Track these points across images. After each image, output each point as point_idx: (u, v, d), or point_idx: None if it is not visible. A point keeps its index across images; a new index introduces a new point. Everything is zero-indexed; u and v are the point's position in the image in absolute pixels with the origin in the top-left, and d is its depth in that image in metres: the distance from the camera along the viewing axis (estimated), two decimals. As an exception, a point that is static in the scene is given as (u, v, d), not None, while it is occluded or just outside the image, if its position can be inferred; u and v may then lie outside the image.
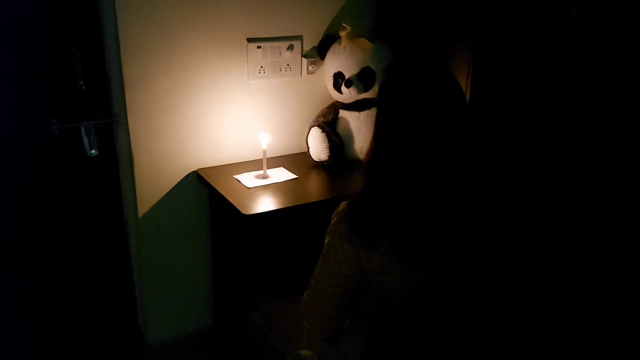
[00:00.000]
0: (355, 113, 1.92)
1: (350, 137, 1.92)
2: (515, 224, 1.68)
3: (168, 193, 1.84)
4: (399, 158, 1.07)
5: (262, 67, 1.87)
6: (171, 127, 1.78)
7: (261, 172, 1.81)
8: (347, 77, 1.86)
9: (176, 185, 1.84)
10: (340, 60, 1.87)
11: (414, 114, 1.05)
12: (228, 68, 1.82)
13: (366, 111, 1.91)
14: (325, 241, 1.13)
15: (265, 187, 1.73)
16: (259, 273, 1.68)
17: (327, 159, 1.87)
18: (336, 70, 1.88)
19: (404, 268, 1.06)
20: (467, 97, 1.75)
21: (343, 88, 1.86)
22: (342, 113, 1.94)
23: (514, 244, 1.63)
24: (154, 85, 1.72)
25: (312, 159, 1.90)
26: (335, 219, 1.12)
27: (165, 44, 1.70)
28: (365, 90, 1.87)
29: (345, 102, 1.93)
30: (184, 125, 1.80)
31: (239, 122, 1.90)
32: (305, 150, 1.95)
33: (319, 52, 1.95)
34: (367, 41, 1.84)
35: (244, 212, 1.56)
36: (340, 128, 1.94)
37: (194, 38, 1.74)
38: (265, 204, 1.62)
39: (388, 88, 1.11)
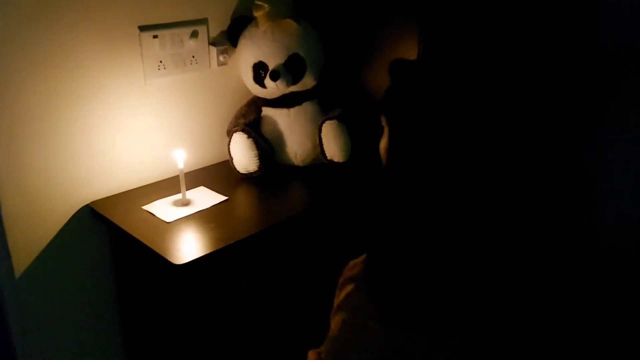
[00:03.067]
0: (284, 110, 1.58)
1: (280, 139, 1.58)
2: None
3: (54, 240, 1.37)
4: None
5: (161, 61, 1.45)
6: (48, 150, 1.32)
7: (179, 196, 1.42)
8: (271, 67, 1.51)
9: (64, 227, 1.39)
10: (261, 47, 1.51)
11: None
12: (117, 67, 1.38)
13: (297, 107, 1.58)
14: (334, 318, 0.81)
15: (190, 218, 1.34)
16: (196, 341, 1.30)
17: (256, 169, 1.52)
18: (256, 60, 1.52)
19: (462, 345, 0.78)
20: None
21: (267, 81, 1.51)
22: (267, 111, 1.59)
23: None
24: (19, 98, 1.25)
25: (238, 171, 1.53)
26: (349, 288, 0.79)
27: (29, 42, 1.23)
28: (295, 83, 1.54)
29: (269, 97, 1.59)
30: (65, 146, 1.34)
31: (139, 135, 1.47)
32: (225, 159, 1.59)
33: (229, 37, 1.57)
34: (293, 22, 1.50)
35: (174, 260, 1.17)
36: (266, 129, 1.59)
37: (68, 31, 1.28)
38: (200, 243, 1.24)
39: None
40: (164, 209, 1.37)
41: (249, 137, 1.50)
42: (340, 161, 1.53)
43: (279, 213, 1.39)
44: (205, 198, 1.43)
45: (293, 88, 1.55)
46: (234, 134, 1.51)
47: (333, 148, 1.52)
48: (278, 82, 1.50)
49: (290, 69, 1.51)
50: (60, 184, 1.36)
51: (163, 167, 1.51)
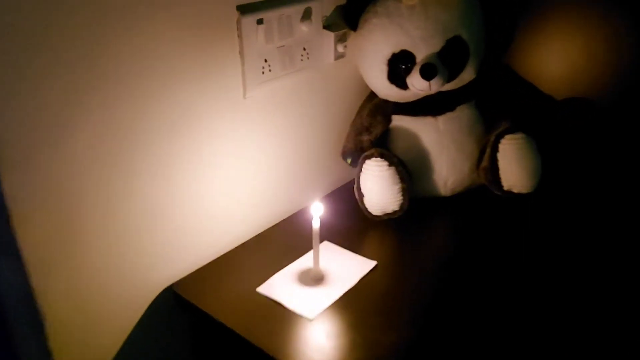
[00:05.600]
0: (429, 119, 1.09)
1: (422, 160, 1.09)
2: None
3: (121, 353, 0.88)
4: None
5: (266, 60, 0.94)
6: (106, 222, 0.81)
7: (304, 265, 0.93)
8: (420, 59, 1.00)
9: (134, 330, 0.89)
10: (406, 29, 1.00)
11: None
12: (206, 76, 0.86)
13: (448, 114, 1.09)
14: None
15: (337, 307, 0.86)
16: None
17: (398, 209, 1.04)
18: (396, 49, 1.01)
19: None
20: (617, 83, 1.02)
21: (414, 79, 1.00)
22: (400, 121, 1.10)
23: None
24: (67, 138, 0.73)
25: (369, 212, 1.05)
26: None
27: (71, 52, 0.71)
28: (450, 80, 1.05)
29: (403, 101, 1.09)
30: (131, 209, 0.84)
31: (234, 172, 0.97)
32: (338, 186, 1.13)
33: (346, 17, 1.06)
34: (458, -10, 0.99)
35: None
36: (399, 147, 1.10)
37: (145, 22, 0.76)
38: (379, 363, 0.77)
39: None
40: (291, 292, 0.88)
41: (390, 164, 1.01)
42: (525, 192, 1.06)
43: (460, 283, 0.92)
44: (342, 265, 0.95)
45: (445, 86, 1.06)
46: (367, 162, 1.02)
47: (517, 174, 1.03)
48: (433, 81, 1.00)
49: (446, 60, 1.02)
50: (128, 264, 0.86)
51: (266, 215, 1.03)
